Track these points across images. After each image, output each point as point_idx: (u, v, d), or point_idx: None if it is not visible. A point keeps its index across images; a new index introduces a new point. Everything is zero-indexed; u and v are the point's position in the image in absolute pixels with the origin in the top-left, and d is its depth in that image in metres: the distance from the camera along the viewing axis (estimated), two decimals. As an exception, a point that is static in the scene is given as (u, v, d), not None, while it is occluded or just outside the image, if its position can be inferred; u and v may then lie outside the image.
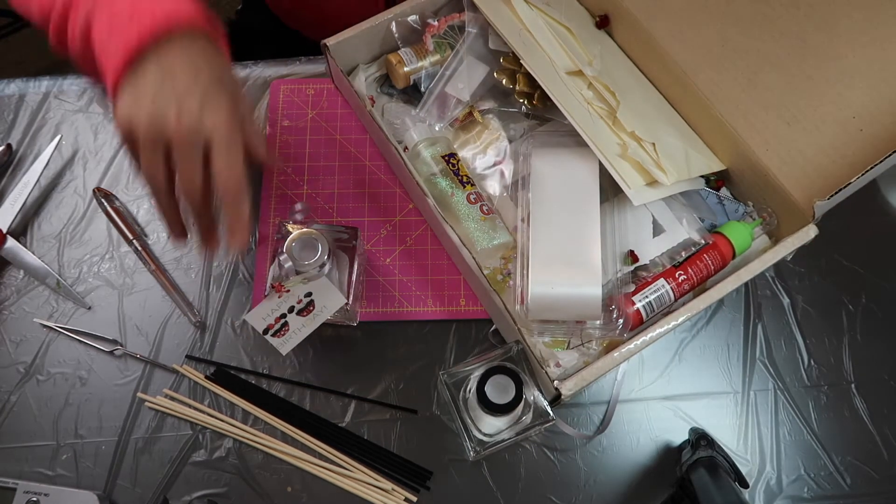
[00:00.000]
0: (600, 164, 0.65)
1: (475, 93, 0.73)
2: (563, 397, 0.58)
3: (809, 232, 0.64)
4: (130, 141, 0.49)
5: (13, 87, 0.80)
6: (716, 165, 0.71)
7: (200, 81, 0.49)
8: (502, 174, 0.73)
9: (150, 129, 0.48)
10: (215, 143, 0.48)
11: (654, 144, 0.66)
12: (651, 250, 0.69)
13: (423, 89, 0.74)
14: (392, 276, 0.72)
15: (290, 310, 0.60)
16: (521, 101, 0.72)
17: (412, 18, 0.74)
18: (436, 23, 0.74)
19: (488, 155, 0.74)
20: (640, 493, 0.66)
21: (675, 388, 0.69)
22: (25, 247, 0.72)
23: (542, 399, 0.60)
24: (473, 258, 0.64)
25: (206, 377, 0.68)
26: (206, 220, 0.52)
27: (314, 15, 0.93)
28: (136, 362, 0.69)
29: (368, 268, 0.72)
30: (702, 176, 0.72)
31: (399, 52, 0.73)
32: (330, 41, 0.72)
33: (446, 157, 0.71)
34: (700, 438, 0.63)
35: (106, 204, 0.73)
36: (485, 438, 0.59)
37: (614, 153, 0.65)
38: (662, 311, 0.66)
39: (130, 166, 0.54)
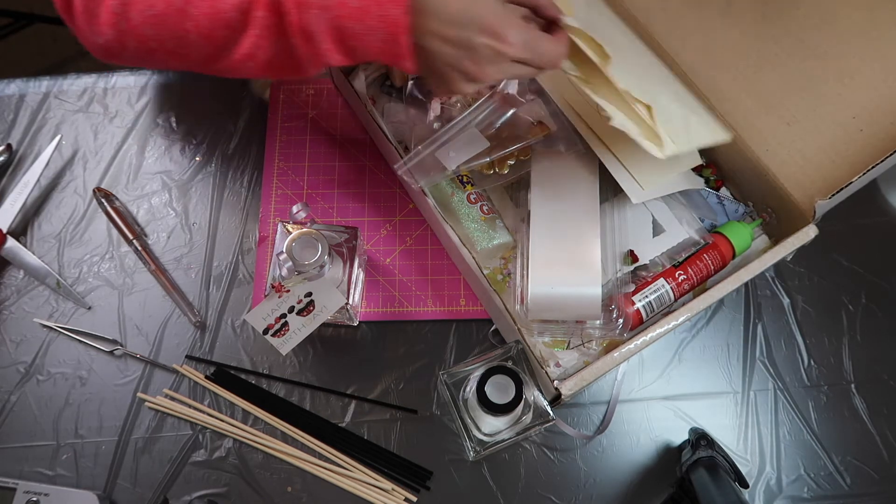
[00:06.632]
0: (600, 163, 0.65)
1: (463, 164, 0.66)
2: (563, 397, 0.58)
3: (809, 232, 0.64)
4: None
5: (13, 87, 0.80)
6: (720, 134, 0.65)
7: None
8: None
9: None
10: None
11: (649, 108, 0.56)
12: (651, 250, 0.69)
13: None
14: (392, 276, 0.72)
15: (290, 310, 0.60)
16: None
17: None
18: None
19: None
20: (640, 493, 0.66)
21: (675, 388, 0.69)
22: (25, 247, 0.72)
23: (542, 399, 0.60)
24: (473, 258, 0.64)
25: (206, 377, 0.68)
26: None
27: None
28: (136, 362, 0.69)
29: (368, 268, 0.72)
30: (701, 176, 0.72)
31: None
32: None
33: (446, 158, 0.70)
34: (700, 438, 0.63)
35: (106, 204, 0.73)
36: (485, 438, 0.59)
37: (614, 136, 0.60)
38: (662, 311, 0.66)
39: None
